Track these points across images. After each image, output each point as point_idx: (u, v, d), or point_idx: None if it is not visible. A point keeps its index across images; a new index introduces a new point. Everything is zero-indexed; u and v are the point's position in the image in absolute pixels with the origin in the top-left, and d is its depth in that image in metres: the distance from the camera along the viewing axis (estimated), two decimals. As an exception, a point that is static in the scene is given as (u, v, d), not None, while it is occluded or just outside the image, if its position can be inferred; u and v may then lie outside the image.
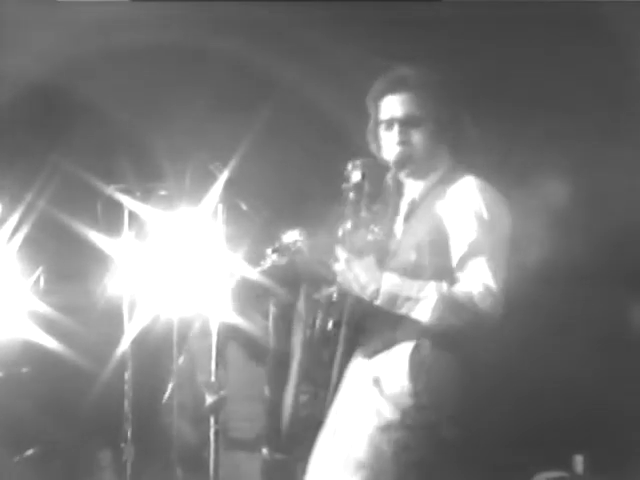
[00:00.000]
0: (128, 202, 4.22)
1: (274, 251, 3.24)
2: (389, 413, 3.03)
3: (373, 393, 3.07)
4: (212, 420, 3.76)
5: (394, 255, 3.12)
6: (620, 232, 4.39)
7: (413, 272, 3.04)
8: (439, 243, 3.05)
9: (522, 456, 4.34)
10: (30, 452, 4.72)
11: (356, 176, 3.12)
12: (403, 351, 3.06)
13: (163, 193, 4.23)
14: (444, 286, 2.98)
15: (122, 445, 4.20)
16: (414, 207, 3.17)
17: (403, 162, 3.15)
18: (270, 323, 4.31)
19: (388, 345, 3.08)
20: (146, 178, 4.34)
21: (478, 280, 2.97)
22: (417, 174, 3.20)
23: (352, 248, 3.07)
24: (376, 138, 3.23)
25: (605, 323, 4.53)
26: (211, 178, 3.80)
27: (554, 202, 4.43)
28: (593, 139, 4.43)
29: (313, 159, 4.48)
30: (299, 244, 3.17)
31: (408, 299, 2.99)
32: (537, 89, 4.55)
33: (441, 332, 2.99)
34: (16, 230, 4.60)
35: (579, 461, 4.56)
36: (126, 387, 4.21)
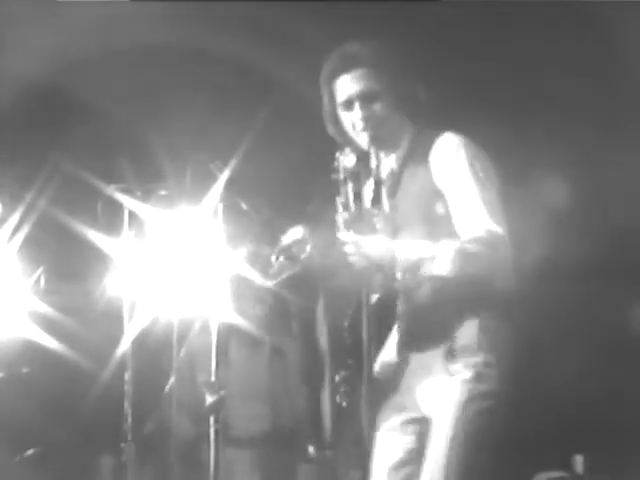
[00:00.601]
0: (128, 202, 4.22)
1: (279, 254, 3.21)
2: (474, 385, 3.01)
3: (452, 369, 3.06)
4: (212, 420, 3.76)
5: (395, 232, 3.11)
6: (621, 231, 4.40)
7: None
8: (436, 206, 3.05)
9: (522, 456, 4.34)
10: (30, 452, 4.73)
11: (350, 161, 3.10)
12: (470, 327, 3.04)
13: (163, 193, 4.23)
14: (454, 242, 2.98)
15: (122, 445, 4.20)
16: (395, 180, 3.17)
17: (374, 137, 3.15)
18: (293, 323, 4.33)
19: (448, 331, 3.06)
20: (146, 178, 4.34)
21: (482, 228, 2.96)
22: (386, 147, 3.18)
23: (359, 231, 3.05)
24: (335, 121, 3.20)
25: (606, 323, 4.53)
26: (211, 177, 3.80)
27: (554, 201, 4.44)
28: (593, 138, 4.43)
29: (314, 158, 4.48)
30: (308, 248, 3.13)
31: (425, 260, 2.99)
32: (537, 89, 4.55)
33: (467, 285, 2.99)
34: (16, 230, 4.60)
35: (579, 461, 4.57)
36: (126, 387, 4.21)
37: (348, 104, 3.14)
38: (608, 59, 4.45)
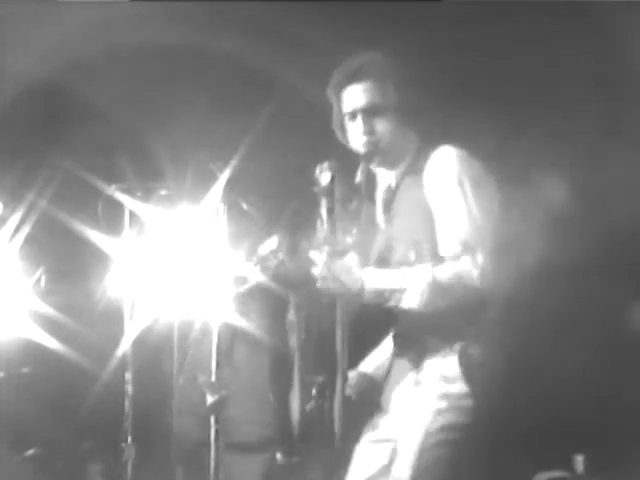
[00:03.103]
0: (129, 202, 4.22)
1: (256, 263, 3.21)
2: (449, 415, 3.00)
3: (431, 395, 3.04)
4: (212, 420, 3.76)
5: (390, 249, 3.10)
6: (620, 231, 4.39)
7: (416, 261, 3.00)
8: (427, 223, 3.03)
9: (522, 456, 4.34)
10: (30, 452, 4.73)
11: (325, 179, 3.08)
12: (450, 354, 3.03)
13: (164, 193, 4.23)
14: (428, 268, 2.95)
15: (122, 445, 4.20)
16: (391, 195, 3.15)
17: (371, 152, 3.12)
18: (267, 324, 4.33)
19: (433, 350, 3.05)
20: (147, 178, 4.35)
21: (463, 254, 2.93)
22: (388, 163, 3.16)
23: (331, 252, 3.03)
24: (342, 128, 3.21)
25: (606, 322, 4.53)
26: (212, 177, 3.80)
27: (553, 201, 4.44)
28: (592, 138, 4.43)
29: (314, 158, 4.48)
30: (280, 256, 3.13)
31: (394, 291, 2.96)
32: (537, 88, 4.55)
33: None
34: (17, 230, 4.60)
35: (579, 461, 4.56)
36: (127, 387, 4.21)
37: (352, 115, 3.14)
38: (609, 59, 4.45)
